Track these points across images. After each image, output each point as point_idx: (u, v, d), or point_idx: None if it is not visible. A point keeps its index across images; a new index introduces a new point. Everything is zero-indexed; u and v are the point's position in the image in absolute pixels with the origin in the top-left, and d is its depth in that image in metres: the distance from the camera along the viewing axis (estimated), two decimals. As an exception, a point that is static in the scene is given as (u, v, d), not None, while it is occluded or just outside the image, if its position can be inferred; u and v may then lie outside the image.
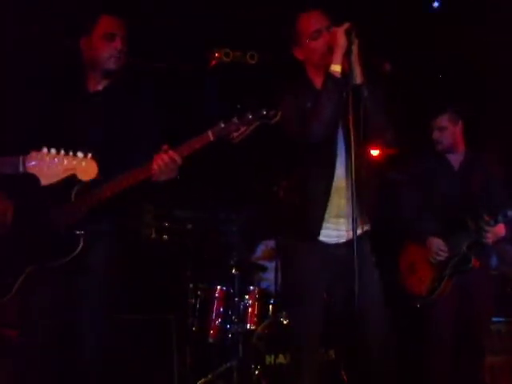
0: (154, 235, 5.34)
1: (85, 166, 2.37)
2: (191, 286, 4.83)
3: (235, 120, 2.58)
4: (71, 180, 2.43)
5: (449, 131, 3.85)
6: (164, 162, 2.60)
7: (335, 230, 2.96)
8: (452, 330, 3.70)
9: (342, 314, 2.98)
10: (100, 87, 2.94)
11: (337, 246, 2.96)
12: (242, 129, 2.57)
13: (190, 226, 4.95)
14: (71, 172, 2.38)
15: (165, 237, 5.34)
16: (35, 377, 2.77)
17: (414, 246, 3.86)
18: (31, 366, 2.78)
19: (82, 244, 2.67)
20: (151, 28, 4.84)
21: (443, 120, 3.86)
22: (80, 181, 2.47)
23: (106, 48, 2.85)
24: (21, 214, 2.77)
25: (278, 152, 3.09)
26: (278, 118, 2.57)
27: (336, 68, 2.83)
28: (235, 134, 2.58)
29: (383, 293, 2.98)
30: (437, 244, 3.76)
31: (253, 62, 5.36)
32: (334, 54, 2.83)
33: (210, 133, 2.59)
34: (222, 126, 2.59)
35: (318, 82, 2.99)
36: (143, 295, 4.94)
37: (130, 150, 2.83)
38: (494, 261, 4.26)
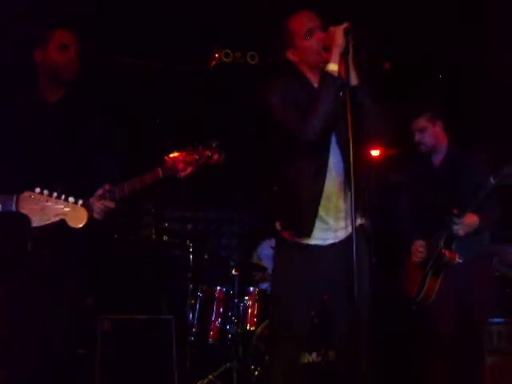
0: (154, 236, 5.36)
1: (75, 213, 2.48)
2: (191, 286, 4.83)
3: (181, 162, 2.86)
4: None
5: (429, 132, 3.88)
6: (99, 210, 2.78)
7: (327, 229, 2.94)
8: (451, 330, 3.69)
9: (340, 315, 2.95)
10: (56, 97, 3.09)
11: (332, 245, 2.95)
12: (189, 169, 2.87)
13: (189, 227, 4.96)
14: (62, 217, 2.48)
15: (165, 237, 5.36)
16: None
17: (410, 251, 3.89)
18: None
19: (30, 246, 2.79)
20: (152, 28, 4.85)
21: (422, 121, 3.89)
22: None
23: (61, 58, 3.05)
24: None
25: (272, 151, 3.07)
26: (221, 160, 2.84)
27: (333, 67, 2.79)
28: (182, 174, 2.87)
29: (372, 294, 2.94)
30: (415, 245, 3.81)
31: (253, 63, 5.36)
32: (331, 53, 2.80)
33: (159, 170, 2.86)
34: (171, 166, 2.86)
35: (312, 78, 2.97)
36: (143, 296, 4.94)
37: (91, 156, 3.04)
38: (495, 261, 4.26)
